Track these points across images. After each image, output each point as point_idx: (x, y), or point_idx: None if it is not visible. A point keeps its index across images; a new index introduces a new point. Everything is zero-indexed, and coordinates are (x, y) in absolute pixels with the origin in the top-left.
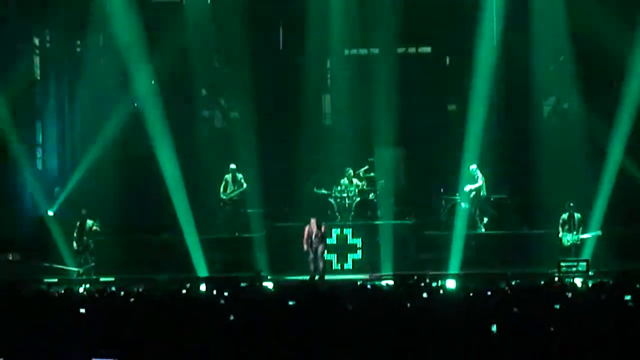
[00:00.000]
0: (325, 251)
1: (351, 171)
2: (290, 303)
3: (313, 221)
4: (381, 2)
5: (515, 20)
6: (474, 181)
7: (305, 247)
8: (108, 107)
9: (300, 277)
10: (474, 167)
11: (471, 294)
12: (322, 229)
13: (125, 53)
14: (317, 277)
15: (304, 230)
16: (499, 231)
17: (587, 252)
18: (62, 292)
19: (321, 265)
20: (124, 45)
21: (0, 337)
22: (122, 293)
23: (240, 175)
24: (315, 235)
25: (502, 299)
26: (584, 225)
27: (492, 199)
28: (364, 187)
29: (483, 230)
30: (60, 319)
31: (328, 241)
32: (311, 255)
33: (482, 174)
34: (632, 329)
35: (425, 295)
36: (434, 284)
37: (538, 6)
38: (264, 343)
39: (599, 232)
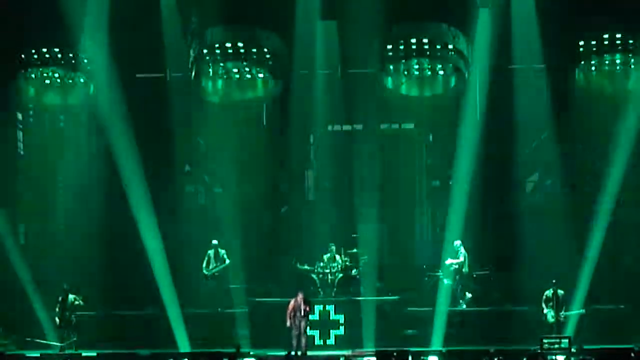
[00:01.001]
0: (308, 327)
1: (334, 247)
2: None
3: (300, 295)
4: (364, 80)
5: (498, 96)
6: (456, 257)
7: (288, 322)
8: (91, 182)
9: (283, 353)
10: (458, 242)
11: None
12: (307, 306)
13: (108, 129)
14: (299, 353)
15: (288, 304)
16: (482, 307)
17: (569, 330)
18: None
19: (304, 341)
20: (107, 121)
21: None
22: None
23: (222, 251)
24: (301, 310)
25: None
26: (567, 302)
27: (474, 275)
28: (347, 263)
29: (464, 307)
30: None
31: (311, 317)
32: (294, 331)
33: (465, 250)
34: None
35: None
36: None
37: (521, 82)
38: None
39: (582, 311)
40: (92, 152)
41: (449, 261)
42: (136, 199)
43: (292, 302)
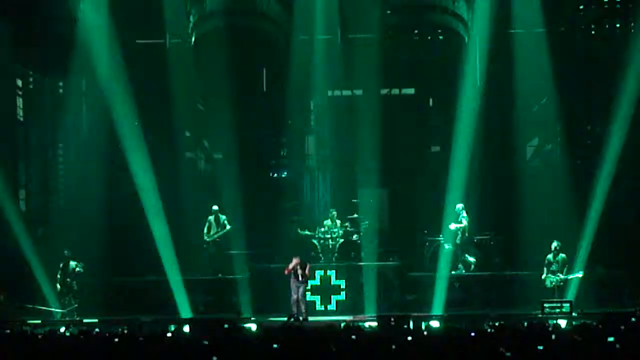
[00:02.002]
0: (308, 293)
1: (335, 213)
2: (275, 346)
3: (295, 260)
4: (365, 44)
5: (499, 61)
6: (458, 221)
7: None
8: (91, 149)
9: (284, 319)
10: (460, 206)
11: (455, 336)
12: (307, 271)
13: (108, 95)
14: (300, 319)
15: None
16: (483, 272)
17: (570, 294)
18: (46, 333)
19: (303, 307)
20: (106, 87)
21: None
22: (106, 334)
23: (223, 217)
24: (298, 275)
25: (486, 341)
26: (568, 267)
27: (475, 240)
28: (348, 228)
29: (463, 271)
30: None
31: (311, 282)
32: (293, 296)
33: (467, 214)
34: None
35: (409, 337)
36: (418, 326)
37: (521, 46)
38: None
39: (581, 273)
40: (91, 119)
41: (452, 226)
42: (136, 165)
43: (292, 264)
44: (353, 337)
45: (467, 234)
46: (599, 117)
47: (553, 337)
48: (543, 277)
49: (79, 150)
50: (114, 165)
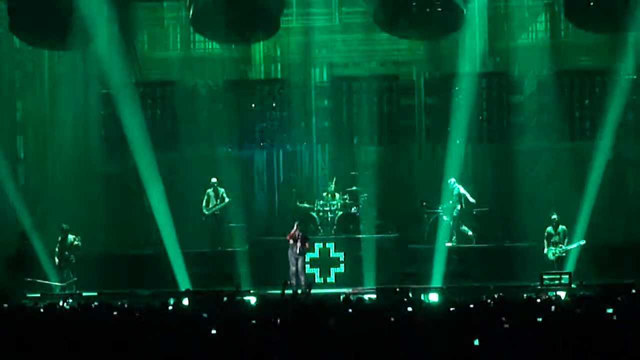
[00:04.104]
0: (307, 265)
1: (333, 185)
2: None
3: (297, 230)
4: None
5: (497, 36)
6: (452, 195)
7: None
8: (89, 121)
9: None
10: (452, 180)
11: (454, 308)
12: (307, 244)
13: (107, 69)
14: (299, 292)
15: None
16: (482, 244)
17: (570, 265)
18: (45, 306)
19: (303, 279)
20: (106, 62)
21: None
22: (106, 307)
23: (222, 190)
24: (297, 248)
25: (485, 313)
26: (569, 238)
27: (474, 212)
28: (347, 200)
29: (459, 244)
30: (44, 333)
31: (310, 255)
32: (292, 268)
33: (464, 187)
34: (614, 342)
35: (409, 309)
36: (417, 298)
37: (519, 21)
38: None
39: (583, 241)
40: (90, 92)
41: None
42: (134, 138)
43: (291, 232)
44: (351, 309)
45: (464, 206)
46: (598, 91)
47: (552, 308)
48: (545, 250)
49: (76, 123)
50: (111, 138)
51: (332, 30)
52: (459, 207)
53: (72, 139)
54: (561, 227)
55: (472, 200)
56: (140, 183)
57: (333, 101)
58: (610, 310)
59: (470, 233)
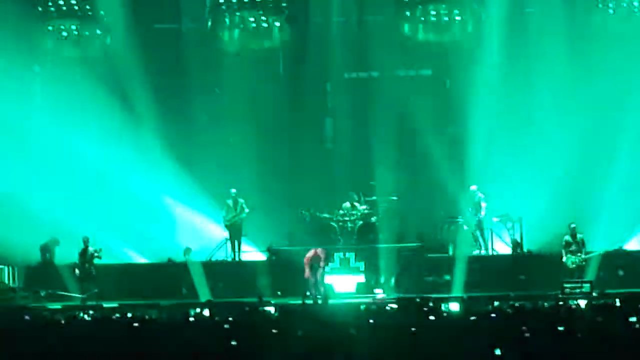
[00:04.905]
0: (325, 277)
1: (355, 196)
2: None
3: (320, 249)
4: (381, 26)
5: (515, 40)
6: (474, 202)
7: (306, 272)
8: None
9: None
10: (474, 187)
11: (475, 317)
12: (326, 257)
13: (125, 81)
14: (319, 302)
15: (307, 253)
16: (502, 253)
17: (590, 274)
18: (66, 318)
19: (322, 289)
20: (124, 73)
21: None
22: (128, 318)
23: (241, 200)
24: (319, 263)
25: (506, 322)
26: (586, 246)
27: (494, 220)
28: (366, 210)
29: (481, 252)
30: (65, 345)
31: (331, 265)
32: (311, 279)
33: (484, 195)
34: (637, 351)
35: (431, 317)
36: (437, 307)
37: (537, 26)
38: None
39: (603, 251)
40: (107, 105)
41: (482, 211)
42: (153, 150)
43: (311, 252)
44: (372, 319)
45: (485, 215)
46: (620, 93)
47: (573, 317)
48: (563, 258)
49: (94, 136)
50: (131, 150)
51: (350, 35)
52: (480, 215)
53: (97, 160)
54: (579, 236)
55: (485, 214)
56: (159, 193)
57: (351, 106)
58: (633, 319)
59: (489, 240)
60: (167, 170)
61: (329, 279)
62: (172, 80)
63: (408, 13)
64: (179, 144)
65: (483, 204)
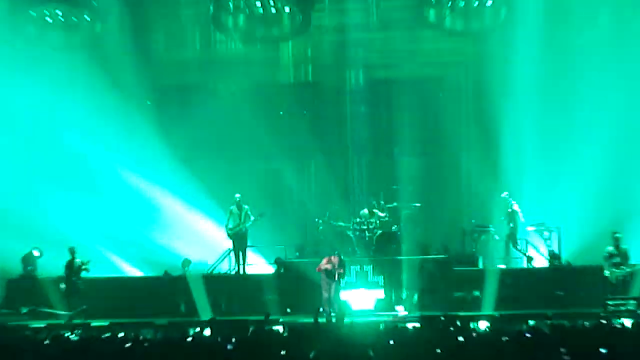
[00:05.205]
0: (340, 292)
1: (374, 202)
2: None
3: (336, 258)
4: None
5: (552, 28)
6: (506, 210)
7: (323, 283)
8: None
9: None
10: (506, 194)
11: (507, 338)
12: (341, 269)
13: (116, 71)
14: (333, 321)
15: (321, 261)
16: (538, 266)
17: (636, 289)
18: (51, 338)
19: (336, 306)
20: (115, 62)
21: None
22: (119, 338)
23: (246, 207)
24: (334, 274)
25: (542, 343)
26: (631, 258)
27: (529, 229)
28: (387, 218)
29: (519, 265)
30: None
31: (346, 279)
32: (324, 294)
33: (517, 202)
34: None
35: (459, 338)
36: (465, 326)
37: (575, 12)
38: None
39: None
40: (97, 98)
41: (529, 228)
42: (150, 146)
43: (325, 260)
44: (393, 339)
45: (519, 223)
46: None
47: (617, 338)
48: (606, 272)
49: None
50: (124, 151)
51: (369, 27)
52: (512, 224)
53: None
54: (623, 247)
55: (522, 219)
56: (154, 197)
57: (371, 107)
58: None
59: (525, 254)
60: (165, 169)
61: (344, 295)
62: (168, 72)
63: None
64: (178, 141)
65: (517, 209)
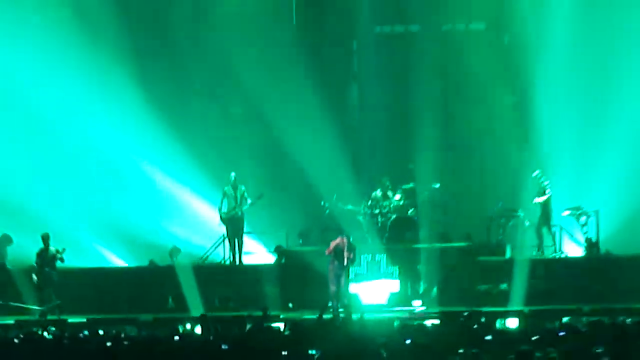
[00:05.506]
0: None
1: (388, 182)
2: (311, 352)
3: (344, 239)
4: None
5: None
6: (540, 191)
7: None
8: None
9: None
10: (537, 172)
11: (538, 336)
12: (350, 254)
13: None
14: (342, 316)
15: (329, 244)
16: (573, 255)
17: None
18: (22, 337)
19: (345, 301)
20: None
21: None
22: (99, 336)
23: (242, 187)
24: (343, 258)
25: (578, 342)
26: None
27: (564, 214)
28: (402, 201)
29: (552, 254)
30: None
31: (357, 270)
32: (332, 287)
33: (550, 182)
34: None
35: (487, 337)
36: (491, 324)
37: None
38: None
39: None
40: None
41: (536, 200)
42: (136, 116)
43: (334, 243)
44: (409, 338)
45: (551, 207)
46: None
47: None
48: None
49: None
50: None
51: None
52: (544, 208)
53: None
54: None
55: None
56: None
57: (383, 66)
58: None
59: (558, 242)
60: (153, 143)
61: (354, 288)
62: (158, 35)
63: None
64: (168, 112)
65: (548, 192)
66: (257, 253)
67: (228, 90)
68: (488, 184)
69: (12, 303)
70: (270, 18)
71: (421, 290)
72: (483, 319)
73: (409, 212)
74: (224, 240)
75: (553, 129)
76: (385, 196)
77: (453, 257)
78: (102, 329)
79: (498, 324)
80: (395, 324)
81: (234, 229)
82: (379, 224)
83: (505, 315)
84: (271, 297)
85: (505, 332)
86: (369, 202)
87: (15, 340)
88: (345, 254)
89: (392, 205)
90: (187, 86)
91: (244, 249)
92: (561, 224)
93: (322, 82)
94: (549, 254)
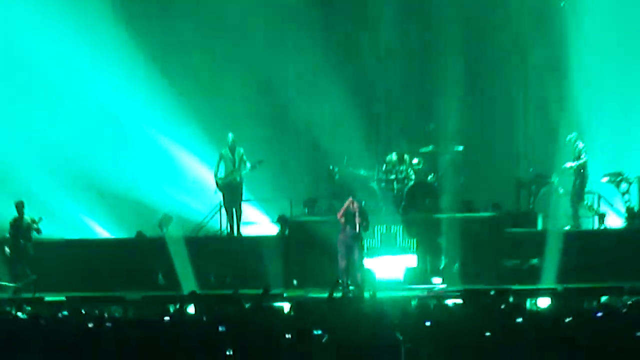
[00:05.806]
0: (364, 257)
1: (404, 144)
2: (316, 332)
3: (354, 203)
4: None
5: None
6: (575, 156)
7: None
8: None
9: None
10: (572, 135)
11: (572, 318)
12: (363, 220)
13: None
14: (352, 295)
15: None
16: (613, 227)
17: None
18: None
19: (359, 277)
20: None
21: None
22: (80, 316)
23: (241, 150)
24: (355, 224)
25: (617, 324)
26: None
27: (603, 180)
28: (420, 165)
29: (589, 226)
30: None
31: (370, 242)
32: (341, 262)
33: (587, 145)
34: None
35: (518, 320)
36: (520, 303)
37: None
38: None
39: None
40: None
41: (568, 165)
42: (125, 68)
43: (345, 205)
44: (428, 319)
45: (588, 173)
46: None
47: None
48: None
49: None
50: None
51: None
52: (581, 174)
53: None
54: None
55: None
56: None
57: (401, 16)
58: None
59: (594, 209)
60: (144, 96)
61: (367, 263)
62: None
63: None
64: (161, 65)
65: (584, 156)
66: (258, 223)
67: (225, 42)
68: (517, 147)
69: None
70: None
71: (442, 265)
72: (511, 299)
73: (429, 177)
74: (220, 209)
75: (592, 88)
76: (401, 160)
77: (478, 228)
78: (83, 309)
79: (528, 303)
80: (413, 303)
81: (232, 196)
82: (395, 191)
83: (536, 294)
84: (273, 273)
85: (536, 312)
86: (384, 167)
87: None
88: (357, 219)
89: (409, 170)
90: (181, 38)
91: (243, 218)
92: (600, 191)
93: (330, 28)
94: (585, 225)
